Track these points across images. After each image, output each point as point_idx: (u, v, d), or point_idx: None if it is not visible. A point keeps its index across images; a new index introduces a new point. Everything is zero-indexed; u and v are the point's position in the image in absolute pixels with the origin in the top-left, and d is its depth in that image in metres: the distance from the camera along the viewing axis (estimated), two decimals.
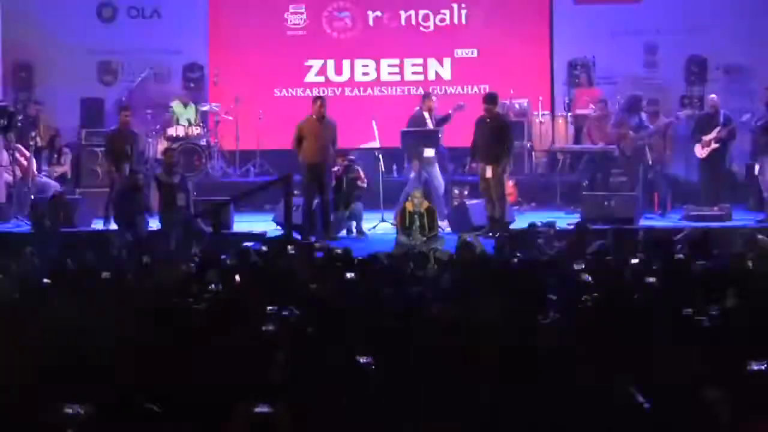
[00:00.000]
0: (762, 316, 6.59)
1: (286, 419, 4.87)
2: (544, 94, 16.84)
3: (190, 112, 16.15)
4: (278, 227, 13.49)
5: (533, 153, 16.31)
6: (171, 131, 15.81)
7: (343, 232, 13.82)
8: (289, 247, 10.73)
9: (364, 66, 17.00)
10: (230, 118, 16.26)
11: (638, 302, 7.40)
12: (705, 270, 8.74)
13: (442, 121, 14.27)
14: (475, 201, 14.01)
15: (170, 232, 12.61)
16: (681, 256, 9.54)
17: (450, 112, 14.32)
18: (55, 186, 14.64)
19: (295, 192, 13.57)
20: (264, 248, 10.57)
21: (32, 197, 14.06)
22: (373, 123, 15.20)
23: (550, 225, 12.10)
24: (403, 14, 17.02)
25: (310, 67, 16.99)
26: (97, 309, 7.13)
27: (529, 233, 11.72)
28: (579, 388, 5.14)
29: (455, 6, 17.02)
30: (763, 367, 5.24)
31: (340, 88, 16.87)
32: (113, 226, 13.39)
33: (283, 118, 15.44)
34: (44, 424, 4.92)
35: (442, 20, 17.01)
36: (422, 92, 14.98)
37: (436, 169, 14.05)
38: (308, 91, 16.34)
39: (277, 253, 10.34)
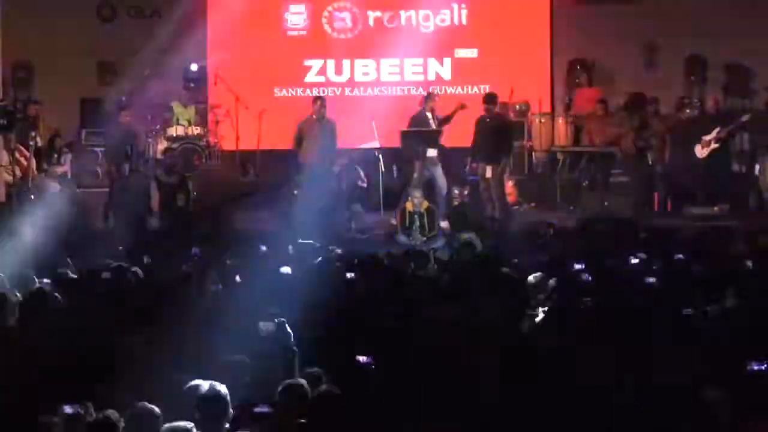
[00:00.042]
0: (762, 316, 6.59)
1: (286, 419, 4.88)
2: (544, 94, 16.83)
3: (190, 112, 16.13)
4: (278, 228, 13.47)
5: (533, 153, 16.30)
6: (171, 131, 15.79)
7: (344, 232, 13.81)
8: (289, 247, 10.73)
9: (364, 66, 16.99)
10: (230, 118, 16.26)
11: (638, 302, 7.40)
12: (705, 270, 8.74)
13: (444, 121, 14.27)
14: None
15: (170, 232, 12.60)
16: (681, 256, 9.53)
17: (452, 112, 14.31)
18: (55, 186, 14.63)
19: (295, 192, 13.57)
20: (264, 248, 10.56)
21: (32, 197, 14.05)
22: (373, 123, 15.19)
23: (550, 225, 12.09)
24: (403, 14, 17.00)
25: (310, 67, 16.97)
26: (98, 309, 7.14)
27: (529, 233, 11.72)
28: (579, 388, 5.15)
29: (455, 6, 17.01)
30: (763, 367, 5.24)
31: (340, 88, 16.85)
32: (113, 226, 13.38)
33: (283, 118, 15.43)
34: (44, 424, 4.92)
35: (442, 20, 17.00)
36: (423, 92, 14.95)
37: (440, 169, 14.06)
38: (308, 91, 16.32)
39: (278, 253, 10.34)
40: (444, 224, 13.48)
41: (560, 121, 16.04)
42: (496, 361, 5.59)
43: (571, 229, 12.23)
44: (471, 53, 16.95)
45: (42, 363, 5.68)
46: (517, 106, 16.20)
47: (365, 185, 14.37)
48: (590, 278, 8.27)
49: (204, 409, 4.93)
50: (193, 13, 16.88)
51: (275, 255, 10.20)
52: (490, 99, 13.78)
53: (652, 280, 8.09)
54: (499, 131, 13.58)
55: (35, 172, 14.59)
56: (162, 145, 15.61)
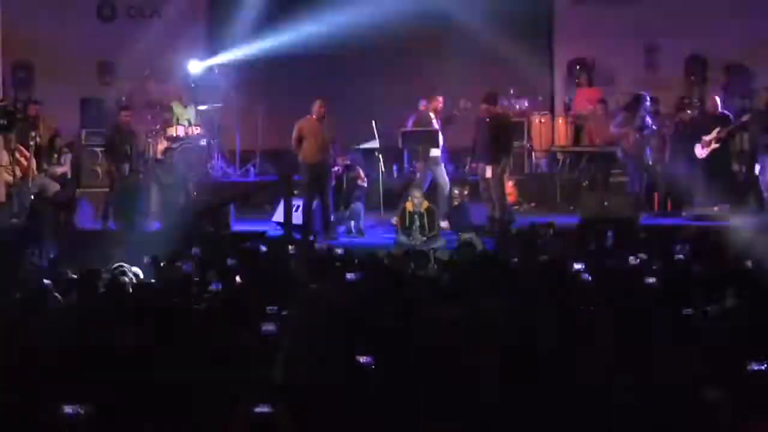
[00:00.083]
0: (762, 316, 6.59)
1: (286, 419, 4.87)
2: (544, 94, 16.83)
3: (190, 113, 16.14)
4: (278, 227, 13.48)
5: (533, 153, 16.30)
6: (171, 131, 15.79)
7: (344, 232, 13.82)
8: (289, 247, 10.73)
9: (363, 65, 16.96)
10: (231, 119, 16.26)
11: (638, 302, 7.40)
12: (705, 270, 8.74)
13: (447, 121, 14.27)
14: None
15: (170, 232, 12.60)
16: (681, 256, 9.54)
17: (455, 112, 14.30)
18: (55, 186, 14.63)
19: (295, 192, 13.57)
20: (264, 248, 10.57)
21: (32, 197, 14.05)
22: (373, 123, 15.19)
23: (550, 225, 12.09)
24: (403, 14, 16.98)
25: (310, 67, 16.94)
26: (98, 309, 7.14)
27: (529, 233, 11.72)
28: (579, 388, 5.15)
29: (455, 6, 16.99)
30: (763, 367, 5.24)
31: (340, 88, 16.83)
32: (113, 226, 13.39)
33: (283, 118, 15.42)
34: (44, 424, 4.92)
35: (443, 20, 16.98)
36: (427, 93, 14.93)
37: (442, 168, 14.07)
38: (308, 91, 16.31)
39: (277, 253, 10.34)
40: (444, 224, 13.48)
41: (560, 121, 16.04)
42: (496, 361, 5.58)
43: (571, 229, 12.22)
44: (471, 53, 16.93)
45: (42, 363, 5.68)
46: (517, 106, 16.21)
47: (365, 184, 14.37)
48: (590, 278, 8.28)
49: None
50: (193, 13, 16.90)
51: (274, 255, 10.21)
52: (489, 99, 13.78)
53: (652, 280, 8.10)
54: (499, 131, 13.58)
55: (35, 172, 14.59)
56: (162, 145, 15.61)
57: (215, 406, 5.03)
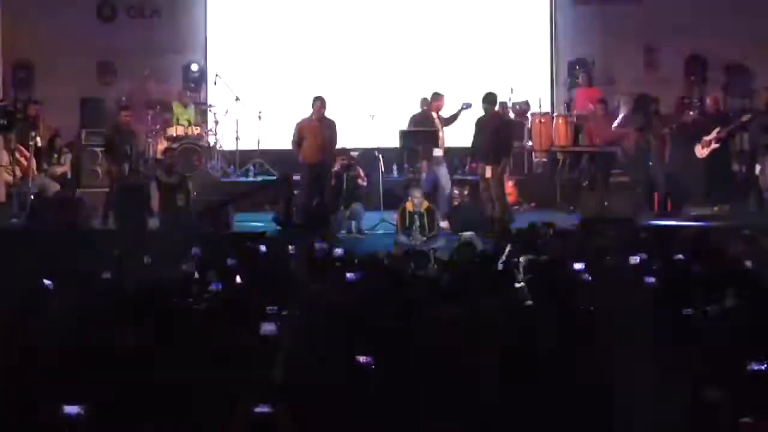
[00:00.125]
0: (762, 316, 6.58)
1: (286, 419, 4.87)
2: (544, 94, 16.84)
3: (190, 112, 16.14)
4: (278, 227, 13.48)
5: (533, 153, 16.30)
6: (171, 131, 15.80)
7: (343, 232, 13.81)
8: (289, 247, 10.73)
9: (364, 66, 16.99)
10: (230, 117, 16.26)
11: (638, 302, 7.39)
12: (705, 270, 8.73)
13: (449, 120, 14.28)
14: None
15: (170, 232, 12.60)
16: (681, 256, 9.53)
17: (457, 111, 14.31)
18: (55, 186, 14.64)
19: (295, 192, 13.57)
20: (264, 248, 10.56)
21: (32, 197, 14.05)
22: (373, 123, 15.19)
23: (550, 225, 12.08)
24: (403, 14, 17.01)
25: (310, 67, 16.96)
26: (97, 309, 7.13)
27: (529, 233, 11.71)
28: (579, 388, 5.15)
29: (455, 6, 17.02)
30: (763, 367, 5.24)
31: (340, 88, 16.84)
32: (113, 226, 13.38)
33: (283, 118, 15.43)
34: (44, 424, 4.92)
35: (443, 21, 17.00)
36: (428, 92, 14.93)
37: (444, 168, 14.07)
38: (308, 91, 16.33)
39: (277, 253, 10.33)
40: (444, 224, 13.48)
41: (560, 121, 16.04)
42: (496, 361, 5.58)
43: (571, 229, 12.21)
44: (471, 53, 16.96)
45: (42, 363, 5.67)
46: (517, 106, 16.22)
47: (365, 184, 14.37)
48: (590, 278, 8.27)
49: None
50: (193, 13, 16.91)
51: (274, 255, 10.20)
52: (489, 99, 13.78)
53: (652, 280, 8.09)
54: (499, 131, 13.58)
55: (35, 172, 14.60)
56: (162, 145, 15.62)
57: (215, 406, 5.03)
